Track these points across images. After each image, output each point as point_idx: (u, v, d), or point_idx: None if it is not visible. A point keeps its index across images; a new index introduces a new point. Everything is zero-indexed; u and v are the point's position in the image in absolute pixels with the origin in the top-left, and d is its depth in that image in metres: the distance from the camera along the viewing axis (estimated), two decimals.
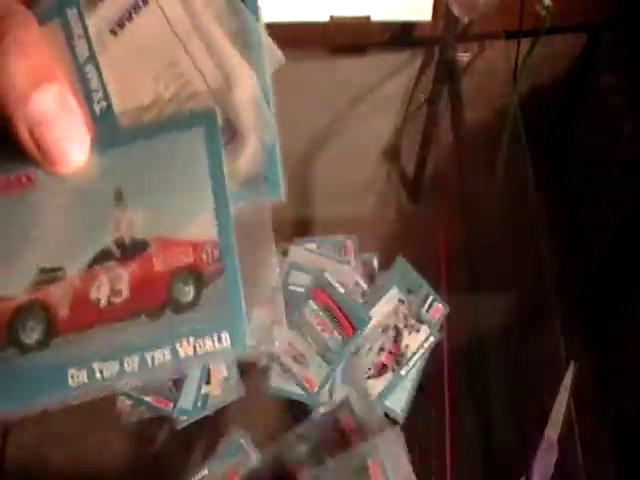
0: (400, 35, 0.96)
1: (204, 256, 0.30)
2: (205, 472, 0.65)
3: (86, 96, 0.30)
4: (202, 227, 0.30)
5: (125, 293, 0.30)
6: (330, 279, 0.73)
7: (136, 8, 0.31)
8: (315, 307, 0.73)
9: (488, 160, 0.92)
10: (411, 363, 0.72)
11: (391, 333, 0.73)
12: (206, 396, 0.74)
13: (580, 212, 0.98)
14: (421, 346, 0.72)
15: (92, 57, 0.30)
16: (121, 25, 0.31)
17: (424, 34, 0.95)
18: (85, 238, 0.30)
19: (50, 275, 0.29)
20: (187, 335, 0.29)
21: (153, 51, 0.31)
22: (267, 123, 0.31)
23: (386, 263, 0.77)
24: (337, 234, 0.81)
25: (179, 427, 0.74)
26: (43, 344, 0.29)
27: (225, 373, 0.75)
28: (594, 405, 0.86)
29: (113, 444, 0.80)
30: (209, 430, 0.75)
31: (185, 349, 0.29)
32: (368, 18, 0.89)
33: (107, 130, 0.30)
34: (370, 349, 0.73)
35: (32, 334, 0.29)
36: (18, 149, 0.28)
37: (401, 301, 0.74)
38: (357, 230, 0.81)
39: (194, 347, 0.29)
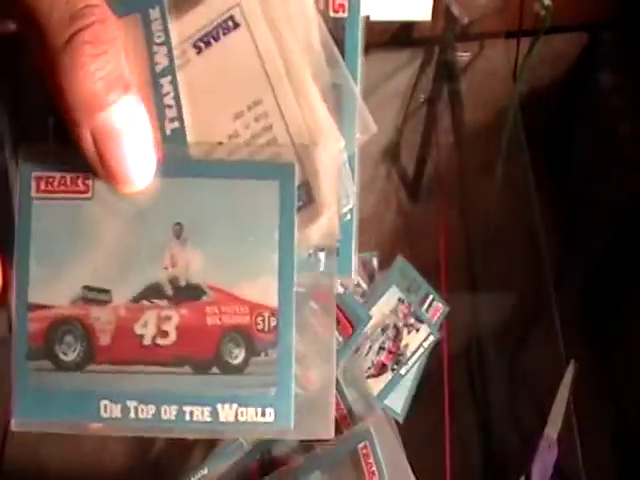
0: (400, 35, 0.96)
1: (260, 322, 0.28)
2: (205, 472, 0.65)
3: (158, 111, 0.28)
4: (263, 290, 0.28)
5: (172, 337, 0.28)
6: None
7: (225, 28, 0.28)
8: (315, 307, 0.72)
9: (488, 160, 0.92)
10: (411, 362, 0.72)
11: (391, 332, 0.73)
12: None
13: (580, 212, 0.98)
14: (421, 345, 0.72)
15: (171, 69, 0.28)
16: (207, 43, 0.28)
17: (424, 34, 0.95)
18: (137, 267, 0.28)
19: (95, 295, 0.28)
20: (230, 399, 0.28)
21: (239, 82, 0.28)
22: (348, 195, 0.29)
23: (386, 263, 0.77)
24: None
25: None
26: (79, 366, 0.28)
27: None
28: (594, 405, 0.86)
29: (112, 444, 0.80)
30: None
31: (226, 413, 0.28)
32: (368, 18, 0.89)
33: (176, 155, 0.28)
34: (370, 348, 0.73)
35: (69, 351, 0.28)
36: (74, 148, 0.26)
37: (401, 300, 0.73)
38: (357, 230, 0.81)
39: (236, 414, 0.28)
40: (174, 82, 0.28)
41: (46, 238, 0.28)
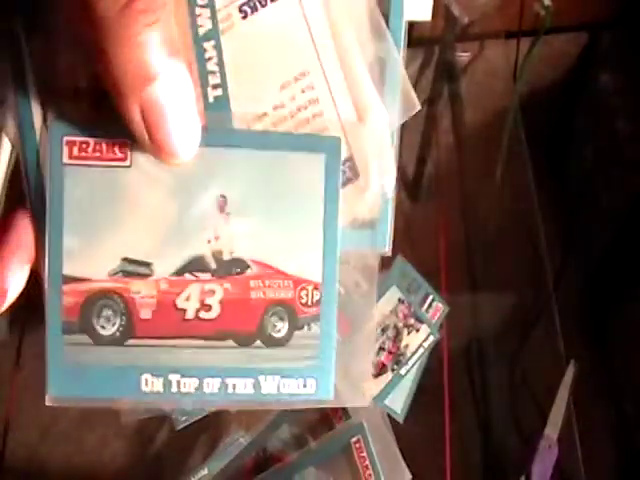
0: None
1: (304, 296, 0.28)
2: (205, 472, 0.65)
3: (201, 77, 0.26)
4: (307, 264, 0.28)
5: (215, 311, 0.28)
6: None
7: None
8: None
9: (488, 160, 0.92)
10: (411, 363, 0.72)
11: (391, 333, 0.73)
12: None
13: (580, 212, 0.98)
14: (421, 346, 0.72)
15: (215, 33, 0.26)
16: (253, 7, 0.27)
17: (424, 34, 0.95)
18: (179, 240, 0.27)
19: (135, 268, 0.27)
20: (272, 372, 0.28)
21: (286, 51, 0.27)
22: (390, 171, 0.28)
23: (386, 263, 0.77)
24: None
25: (179, 427, 0.74)
26: (119, 341, 0.27)
27: None
28: (594, 405, 0.86)
29: (113, 444, 0.80)
30: (209, 430, 0.75)
31: (269, 385, 0.28)
32: None
33: (219, 124, 0.27)
34: (370, 349, 0.73)
35: (108, 326, 0.27)
36: (111, 114, 0.24)
37: (401, 301, 0.73)
38: None
39: (278, 386, 0.28)
40: (218, 47, 0.26)
41: (81, 207, 0.27)
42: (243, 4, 0.27)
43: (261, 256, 0.28)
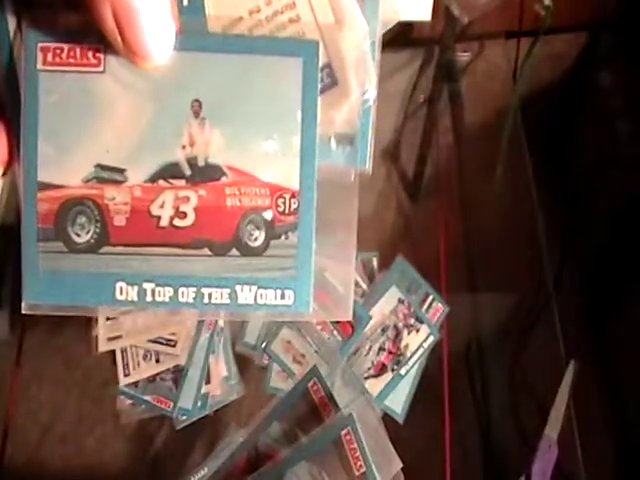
0: (400, 35, 0.96)
1: (281, 204, 0.27)
2: (205, 472, 0.65)
3: None
4: (284, 172, 0.27)
5: (190, 218, 0.27)
6: (330, 279, 0.73)
7: None
8: (315, 307, 0.72)
9: (488, 160, 0.92)
10: (411, 363, 0.72)
11: (391, 333, 0.73)
12: (206, 396, 0.74)
13: (580, 212, 0.98)
14: (421, 346, 0.72)
15: None
16: None
17: (424, 34, 0.95)
18: (154, 145, 0.27)
19: (109, 174, 0.27)
20: (250, 282, 0.27)
21: None
22: (370, 80, 0.27)
23: (386, 263, 0.77)
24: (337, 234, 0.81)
25: (179, 427, 0.74)
26: (93, 248, 0.27)
27: (225, 373, 0.75)
28: (594, 405, 0.86)
29: (113, 444, 0.80)
30: (209, 430, 0.75)
31: (245, 295, 0.27)
32: None
33: (194, 28, 0.26)
34: (370, 349, 0.73)
35: (82, 233, 0.27)
36: (84, 18, 0.24)
37: (401, 301, 0.73)
38: (357, 230, 0.81)
39: (255, 296, 0.27)
40: None
41: (55, 113, 0.26)
42: None
43: (237, 163, 0.27)
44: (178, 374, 0.73)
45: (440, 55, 0.95)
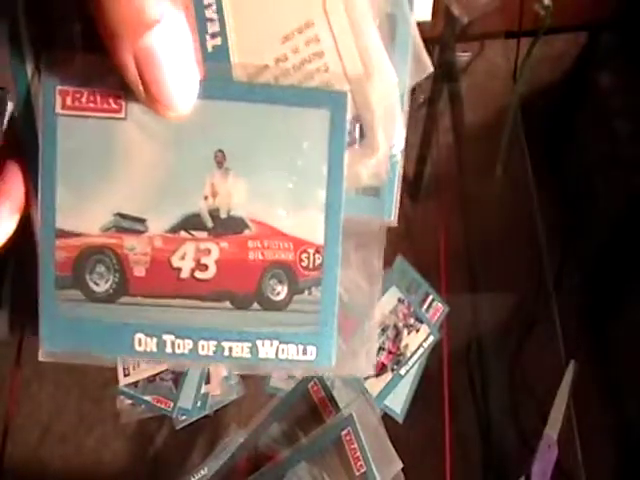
0: None
1: (304, 259, 0.27)
2: (205, 472, 0.65)
3: (199, 25, 0.25)
4: (309, 226, 0.26)
5: (211, 271, 0.26)
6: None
7: None
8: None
9: (488, 160, 0.92)
10: (411, 363, 0.72)
11: (391, 333, 0.73)
12: (206, 396, 0.74)
13: (579, 212, 0.98)
14: (421, 346, 0.72)
15: None
16: None
17: (424, 34, 0.95)
18: (175, 195, 0.26)
19: (129, 224, 0.26)
20: (271, 336, 0.27)
21: (290, 0, 0.25)
22: (399, 133, 0.27)
23: (386, 263, 0.77)
24: None
25: (179, 427, 0.74)
26: (112, 297, 0.26)
27: (225, 373, 0.75)
28: (594, 405, 0.86)
29: (113, 444, 0.80)
30: (209, 430, 0.75)
31: (266, 350, 0.27)
32: None
33: (218, 75, 0.25)
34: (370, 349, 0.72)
35: (101, 282, 0.26)
36: (106, 64, 0.23)
37: (401, 301, 0.73)
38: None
39: (276, 351, 0.27)
40: None
41: (74, 159, 0.26)
42: None
43: (260, 215, 0.26)
44: (178, 374, 0.73)
45: (440, 55, 0.95)
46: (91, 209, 0.26)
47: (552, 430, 0.68)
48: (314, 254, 0.27)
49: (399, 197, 0.28)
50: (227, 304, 0.27)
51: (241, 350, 0.27)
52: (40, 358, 0.27)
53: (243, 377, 0.76)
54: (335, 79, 0.26)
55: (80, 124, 0.26)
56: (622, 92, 0.95)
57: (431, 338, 0.73)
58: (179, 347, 0.27)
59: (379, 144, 0.27)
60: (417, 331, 0.73)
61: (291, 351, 0.27)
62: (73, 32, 0.25)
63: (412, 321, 0.73)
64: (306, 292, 0.27)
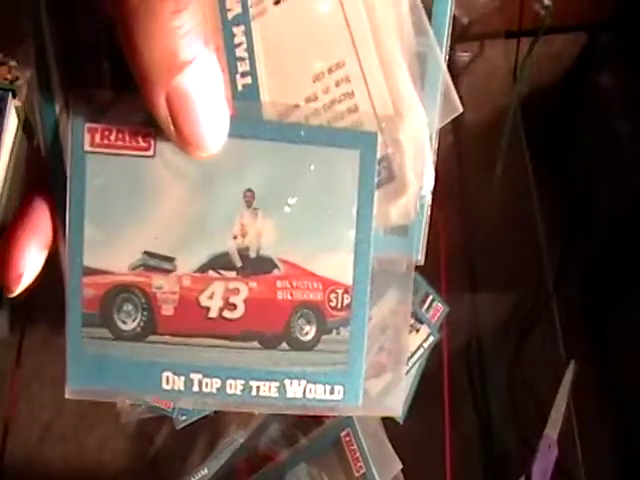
0: None
1: (333, 299, 0.27)
2: (205, 472, 0.65)
3: (229, 64, 0.25)
4: (338, 266, 0.27)
5: (240, 310, 0.27)
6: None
7: None
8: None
9: (488, 160, 0.92)
10: (411, 363, 0.72)
11: (391, 333, 0.73)
12: None
13: (580, 212, 0.98)
14: (421, 346, 0.72)
15: (245, 17, 0.25)
16: None
17: None
18: (204, 235, 0.26)
19: (157, 262, 0.26)
20: (299, 376, 0.27)
21: (320, 41, 0.25)
22: (429, 175, 0.27)
23: None
24: None
25: (179, 427, 0.74)
26: (140, 336, 0.27)
27: None
28: (594, 405, 0.85)
29: (113, 443, 0.80)
30: (209, 430, 0.75)
31: (294, 389, 0.27)
32: None
33: (248, 114, 0.25)
34: (369, 349, 0.72)
35: (129, 321, 0.27)
36: (135, 101, 0.23)
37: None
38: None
39: (304, 390, 0.27)
40: (248, 32, 0.25)
41: (102, 197, 0.26)
42: None
43: (289, 255, 0.27)
44: None
45: None
46: (119, 247, 0.26)
47: (552, 430, 0.68)
48: (343, 294, 0.27)
49: (427, 236, 0.28)
50: (255, 344, 0.27)
51: (269, 389, 0.27)
52: (67, 396, 0.27)
53: None
54: (365, 119, 0.26)
55: (109, 162, 0.26)
56: (622, 92, 0.95)
57: (431, 338, 0.73)
58: (207, 386, 0.27)
59: (409, 183, 0.27)
60: (417, 331, 0.73)
61: (319, 390, 0.27)
62: (102, 70, 0.25)
63: (412, 321, 0.73)
64: (334, 332, 0.27)
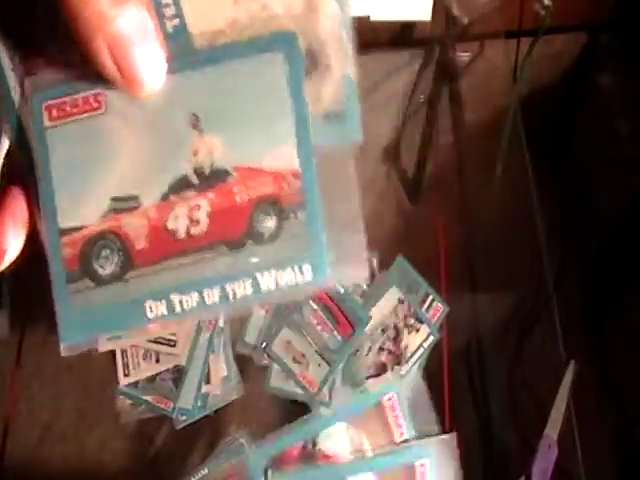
0: (400, 35, 0.96)
1: (285, 187, 0.29)
2: (205, 472, 0.65)
3: (157, 11, 0.28)
4: (283, 157, 0.29)
5: (204, 224, 0.29)
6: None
7: None
8: (315, 307, 0.73)
9: (488, 160, 0.92)
10: (411, 363, 0.72)
11: (391, 333, 0.73)
12: (206, 396, 0.74)
13: (580, 212, 0.98)
14: (421, 346, 0.72)
15: None
16: None
17: (424, 34, 0.95)
18: (160, 166, 0.29)
19: (124, 204, 0.28)
20: (268, 267, 0.29)
21: None
22: (349, 55, 0.29)
23: (386, 263, 0.77)
24: None
25: (179, 427, 0.74)
26: (119, 276, 0.29)
27: (225, 372, 0.75)
28: (594, 405, 0.86)
29: (113, 444, 0.80)
30: (209, 430, 0.75)
31: (267, 281, 0.29)
32: (368, 18, 0.89)
33: (181, 51, 0.28)
34: (370, 349, 0.73)
35: (107, 264, 0.29)
36: (83, 69, 0.27)
37: (401, 301, 0.74)
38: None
39: (275, 279, 0.29)
40: None
41: (66, 162, 0.28)
42: None
43: (239, 161, 0.29)
44: (178, 374, 0.73)
45: (440, 55, 0.95)
46: (88, 202, 0.29)
47: (552, 430, 0.68)
48: (293, 180, 0.29)
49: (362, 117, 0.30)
50: (224, 249, 0.29)
51: (243, 289, 0.29)
52: (62, 354, 0.28)
53: (243, 377, 0.76)
54: (284, 23, 0.29)
55: (66, 129, 0.28)
56: (622, 92, 0.95)
57: (431, 338, 0.73)
58: (187, 303, 0.28)
59: (333, 68, 0.29)
60: (417, 331, 0.73)
61: (289, 275, 0.29)
62: (48, 42, 0.28)
63: (412, 321, 0.73)
64: (292, 216, 0.29)
